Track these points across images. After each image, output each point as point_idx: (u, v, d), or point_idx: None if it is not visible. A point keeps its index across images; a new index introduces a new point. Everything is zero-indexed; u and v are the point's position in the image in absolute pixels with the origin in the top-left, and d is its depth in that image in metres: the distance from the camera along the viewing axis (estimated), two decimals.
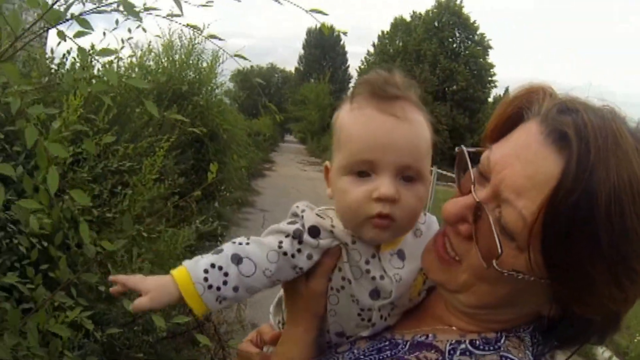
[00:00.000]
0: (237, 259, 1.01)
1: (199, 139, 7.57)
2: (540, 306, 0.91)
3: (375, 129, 0.99)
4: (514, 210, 0.82)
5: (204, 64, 8.52)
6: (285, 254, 1.03)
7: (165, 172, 5.15)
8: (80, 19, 1.49)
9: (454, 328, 0.98)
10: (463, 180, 0.97)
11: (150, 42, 7.57)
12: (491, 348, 0.91)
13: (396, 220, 0.99)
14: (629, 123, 0.84)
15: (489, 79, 48.17)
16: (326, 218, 1.07)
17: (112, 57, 4.16)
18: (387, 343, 1.03)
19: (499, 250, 0.83)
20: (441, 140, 35.35)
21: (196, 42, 8.17)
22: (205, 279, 0.99)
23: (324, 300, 1.09)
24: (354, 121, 1.02)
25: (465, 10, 47.72)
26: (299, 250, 1.04)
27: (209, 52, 8.51)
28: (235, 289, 1.01)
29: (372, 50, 54.35)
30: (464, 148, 0.97)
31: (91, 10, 1.56)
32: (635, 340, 6.55)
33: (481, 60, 47.33)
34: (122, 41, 3.64)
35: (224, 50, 2.33)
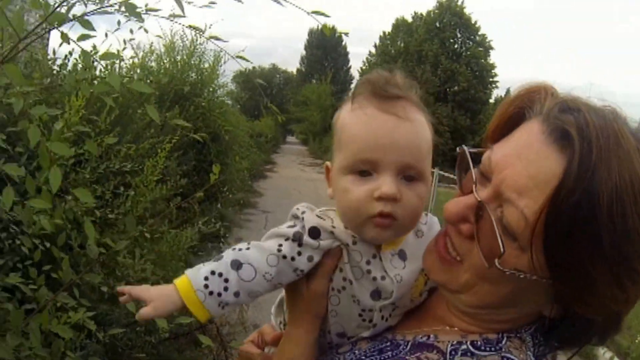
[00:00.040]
0: (236, 265, 1.02)
1: (200, 140, 7.57)
2: (541, 306, 0.91)
3: (377, 128, 0.99)
4: (516, 210, 0.82)
5: (206, 65, 8.53)
6: (285, 257, 1.03)
7: (168, 173, 5.15)
8: (83, 20, 1.50)
9: (455, 329, 0.98)
10: (464, 180, 0.97)
11: (152, 43, 7.59)
12: (492, 349, 0.91)
13: (398, 219, 0.99)
14: (630, 123, 0.84)
15: (490, 79, 48.04)
16: (326, 219, 1.07)
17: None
18: (388, 344, 1.04)
19: (502, 250, 0.83)
20: (442, 142, 35.31)
21: (198, 42, 8.19)
22: (206, 286, 1.00)
23: (325, 301, 1.09)
24: (355, 121, 1.02)
25: (466, 11, 47.71)
26: (299, 253, 1.04)
27: (211, 53, 8.52)
28: (237, 294, 1.02)
29: (373, 51, 54.35)
30: (465, 148, 0.97)
31: (93, 11, 1.57)
32: (637, 341, 6.52)
33: (482, 61, 47.25)
34: (124, 42, 3.65)
35: (225, 51, 2.34)
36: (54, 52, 4.08)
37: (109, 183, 3.58)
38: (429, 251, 1.02)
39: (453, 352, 0.91)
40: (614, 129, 0.79)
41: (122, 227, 3.26)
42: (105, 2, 1.66)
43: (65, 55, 3.97)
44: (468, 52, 47.27)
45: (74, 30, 1.57)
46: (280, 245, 1.04)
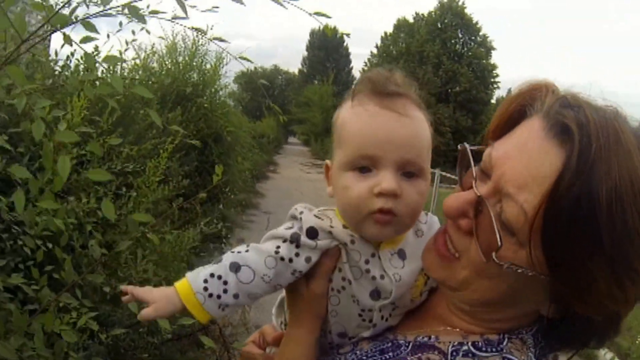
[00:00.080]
0: (235, 267, 1.03)
1: (203, 141, 7.58)
2: (540, 305, 0.91)
3: (377, 125, 0.99)
4: (515, 205, 0.82)
5: (208, 66, 8.54)
6: (282, 259, 1.04)
7: (170, 174, 5.16)
8: (86, 23, 1.50)
9: (456, 329, 0.99)
10: (465, 177, 0.97)
11: (153, 44, 7.60)
12: (494, 350, 0.91)
13: (398, 215, 0.99)
14: (631, 123, 0.83)
15: (492, 80, 48.02)
16: (325, 219, 1.08)
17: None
18: (389, 344, 1.04)
19: (499, 243, 0.83)
20: (444, 142, 35.31)
21: (200, 43, 8.19)
22: (206, 289, 1.01)
23: (325, 301, 1.09)
24: (355, 117, 1.02)
25: (467, 11, 47.68)
26: (296, 254, 1.05)
27: (213, 53, 8.53)
28: (236, 296, 1.03)
29: (375, 51, 54.34)
30: (467, 145, 0.97)
31: (97, 13, 1.57)
32: (637, 342, 6.50)
33: (484, 61, 47.23)
34: (126, 43, 3.66)
35: (227, 52, 2.34)
36: (56, 54, 4.09)
37: (111, 184, 3.59)
38: (428, 249, 1.02)
39: (454, 353, 0.91)
40: (615, 127, 0.79)
41: (124, 228, 3.26)
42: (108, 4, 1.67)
43: (67, 57, 3.98)
44: (469, 53, 47.26)
45: (75, 31, 1.58)
46: (278, 247, 1.05)
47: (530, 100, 0.92)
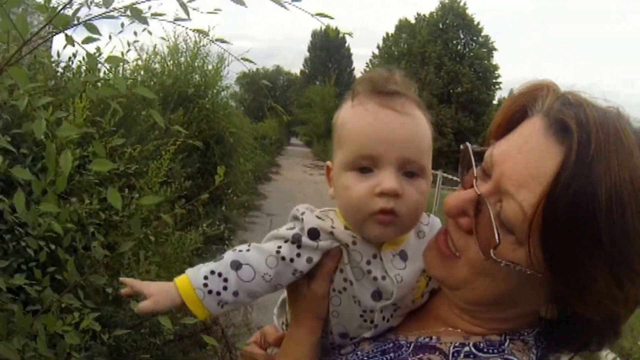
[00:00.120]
0: (236, 265, 1.03)
1: (205, 142, 7.59)
2: (540, 305, 0.90)
3: (377, 124, 0.99)
4: (515, 203, 0.82)
5: (210, 67, 8.54)
6: (284, 258, 1.04)
7: (172, 175, 5.17)
8: (89, 24, 1.50)
9: (458, 330, 0.98)
10: (466, 176, 0.97)
11: (155, 45, 7.62)
12: (495, 351, 0.91)
13: (399, 215, 0.99)
14: (632, 123, 0.83)
15: (494, 81, 48.00)
16: (326, 219, 1.08)
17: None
18: (391, 345, 1.03)
19: (497, 240, 0.83)
20: (446, 143, 35.27)
21: (201, 45, 8.21)
22: (205, 285, 1.01)
23: (326, 301, 1.09)
24: (355, 117, 1.02)
25: (469, 12, 47.64)
26: (298, 255, 1.04)
27: (214, 54, 8.54)
28: (236, 293, 1.03)
29: (376, 52, 54.32)
30: (469, 145, 0.97)
31: (99, 15, 1.57)
32: (639, 343, 6.50)
33: (486, 62, 47.20)
34: (128, 44, 3.67)
35: (229, 53, 2.34)
36: (58, 55, 4.10)
37: (114, 185, 3.59)
38: (430, 247, 1.02)
39: (455, 354, 0.91)
40: (615, 126, 0.79)
41: (127, 229, 3.27)
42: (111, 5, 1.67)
43: (69, 58, 4.00)
44: (471, 54, 47.26)
45: (78, 33, 1.58)
46: (280, 247, 1.05)
47: (531, 100, 0.92)
